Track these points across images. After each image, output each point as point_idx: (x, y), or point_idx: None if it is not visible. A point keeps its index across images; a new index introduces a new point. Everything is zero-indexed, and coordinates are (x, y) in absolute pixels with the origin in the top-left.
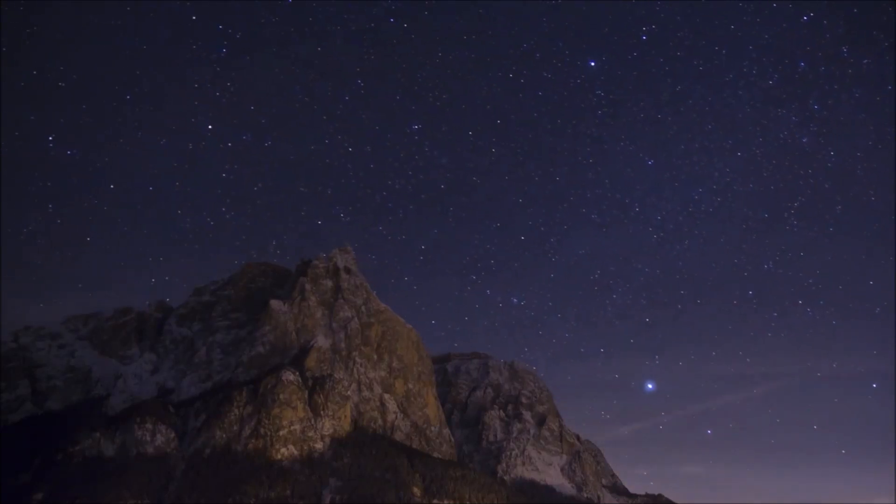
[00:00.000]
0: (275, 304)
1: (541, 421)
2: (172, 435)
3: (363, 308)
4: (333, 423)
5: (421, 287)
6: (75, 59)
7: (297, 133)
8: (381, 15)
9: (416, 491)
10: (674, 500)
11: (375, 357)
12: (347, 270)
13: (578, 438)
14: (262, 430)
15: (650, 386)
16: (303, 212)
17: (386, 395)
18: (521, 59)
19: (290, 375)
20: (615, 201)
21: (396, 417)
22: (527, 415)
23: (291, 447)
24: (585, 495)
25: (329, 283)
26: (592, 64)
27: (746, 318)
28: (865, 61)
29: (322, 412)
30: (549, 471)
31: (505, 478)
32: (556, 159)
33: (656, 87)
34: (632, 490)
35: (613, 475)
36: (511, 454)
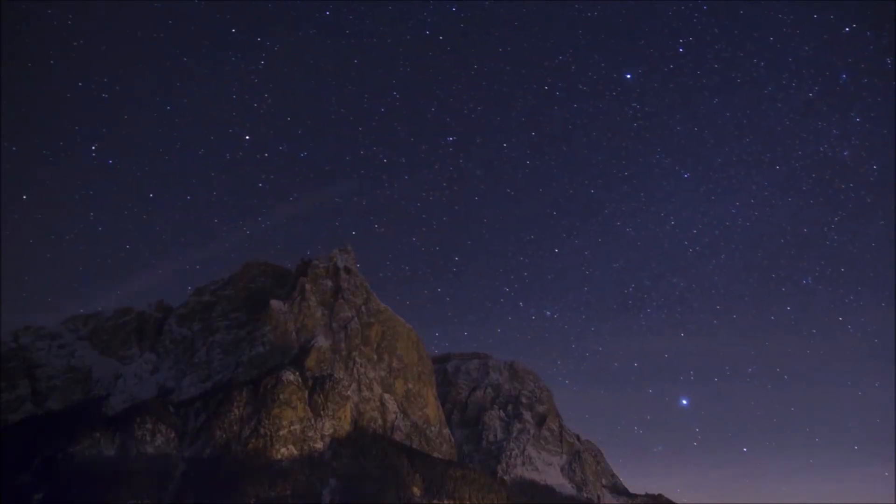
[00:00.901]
0: (275, 304)
1: (541, 421)
2: (172, 435)
3: (363, 308)
4: (333, 423)
5: (454, 298)
6: (118, 72)
7: (332, 144)
8: (416, 27)
9: (416, 491)
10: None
11: (375, 357)
12: (347, 270)
13: (578, 438)
14: (262, 430)
15: (684, 402)
16: (337, 222)
17: (386, 395)
18: (556, 71)
19: (290, 375)
20: (650, 214)
21: (396, 417)
22: (527, 415)
23: (291, 447)
24: (585, 495)
25: (329, 283)
26: (628, 76)
27: (784, 335)
28: None
29: (322, 412)
30: (549, 471)
31: (505, 478)
32: (591, 172)
33: (693, 100)
34: (632, 490)
35: (613, 475)
36: (511, 454)
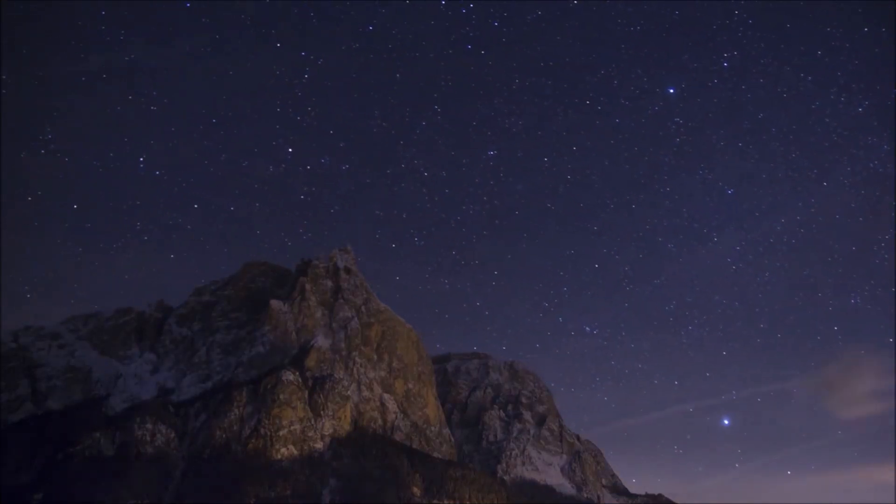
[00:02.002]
0: (275, 304)
1: (541, 421)
2: (172, 435)
3: (363, 308)
4: (333, 423)
5: (492, 312)
6: (166, 85)
7: (374, 157)
8: (458, 42)
9: (416, 491)
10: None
11: (375, 357)
12: (347, 270)
13: (578, 438)
14: (262, 430)
15: (726, 421)
16: (377, 234)
17: (386, 395)
18: (598, 85)
19: (290, 375)
20: (693, 231)
21: (396, 417)
22: (527, 415)
23: (291, 447)
24: (585, 495)
25: (329, 283)
26: (671, 91)
27: (831, 355)
28: None
29: (322, 412)
30: (549, 471)
31: (505, 478)
32: (632, 187)
33: (737, 115)
34: (632, 490)
35: (613, 475)
36: (511, 454)
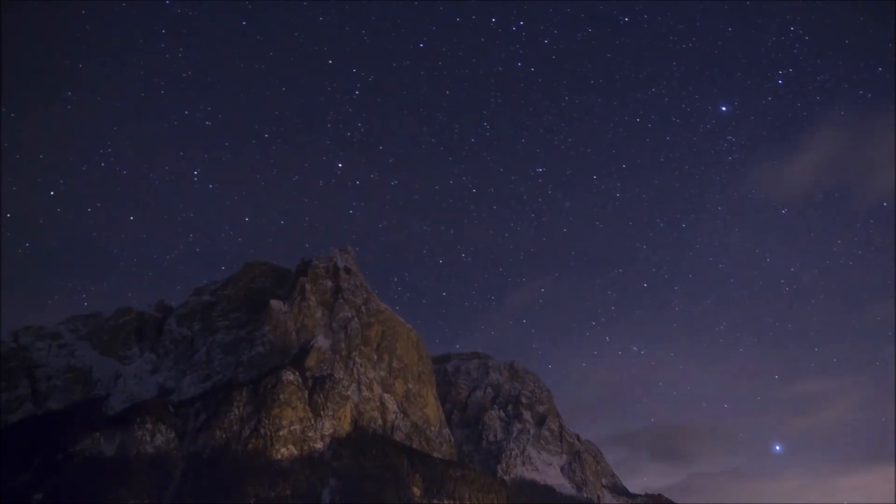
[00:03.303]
0: (275, 304)
1: (541, 421)
2: (172, 435)
3: (363, 308)
4: (333, 423)
5: (539, 331)
6: (219, 101)
7: (422, 173)
8: (508, 59)
9: (416, 491)
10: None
11: (375, 357)
12: (347, 270)
13: (578, 438)
14: (262, 430)
15: (778, 448)
16: (425, 250)
17: (386, 395)
18: (648, 103)
19: (290, 375)
20: (744, 250)
21: (396, 417)
22: (527, 415)
23: (291, 447)
24: (585, 495)
25: (329, 283)
26: (723, 108)
27: (889, 379)
28: None
29: (322, 412)
30: (549, 471)
31: (505, 478)
32: (682, 206)
33: (792, 133)
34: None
35: (613, 475)
36: (511, 454)
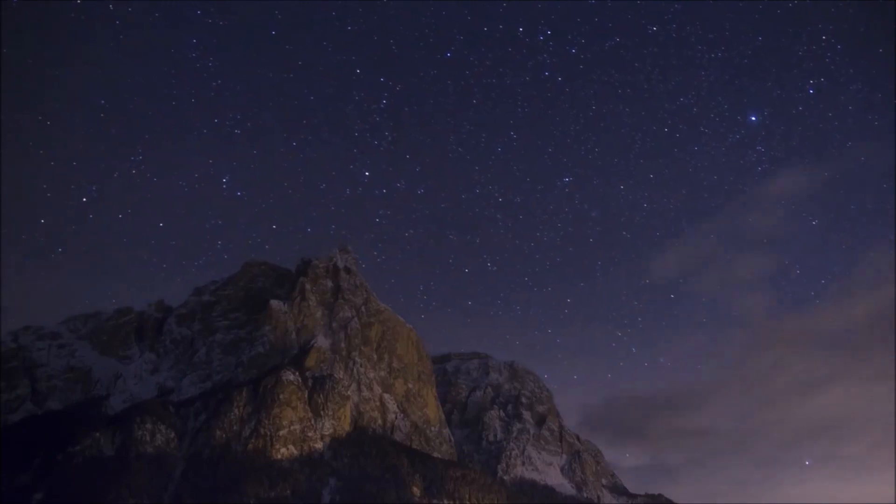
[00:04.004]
0: (275, 304)
1: (540, 421)
2: (172, 435)
3: (363, 308)
4: (333, 423)
5: (564, 340)
6: (248, 110)
7: (449, 182)
8: (535, 68)
9: (416, 491)
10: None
11: (375, 357)
12: (347, 270)
13: (578, 438)
14: (261, 430)
15: (807, 462)
16: (451, 259)
17: (386, 395)
18: (677, 113)
19: (290, 375)
20: (775, 261)
21: (396, 417)
22: (527, 415)
23: (291, 447)
24: (585, 495)
25: (329, 283)
26: (753, 118)
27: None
28: None
29: (322, 412)
30: (549, 471)
31: (505, 478)
32: (712, 217)
33: (824, 143)
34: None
35: (613, 475)
36: (511, 454)
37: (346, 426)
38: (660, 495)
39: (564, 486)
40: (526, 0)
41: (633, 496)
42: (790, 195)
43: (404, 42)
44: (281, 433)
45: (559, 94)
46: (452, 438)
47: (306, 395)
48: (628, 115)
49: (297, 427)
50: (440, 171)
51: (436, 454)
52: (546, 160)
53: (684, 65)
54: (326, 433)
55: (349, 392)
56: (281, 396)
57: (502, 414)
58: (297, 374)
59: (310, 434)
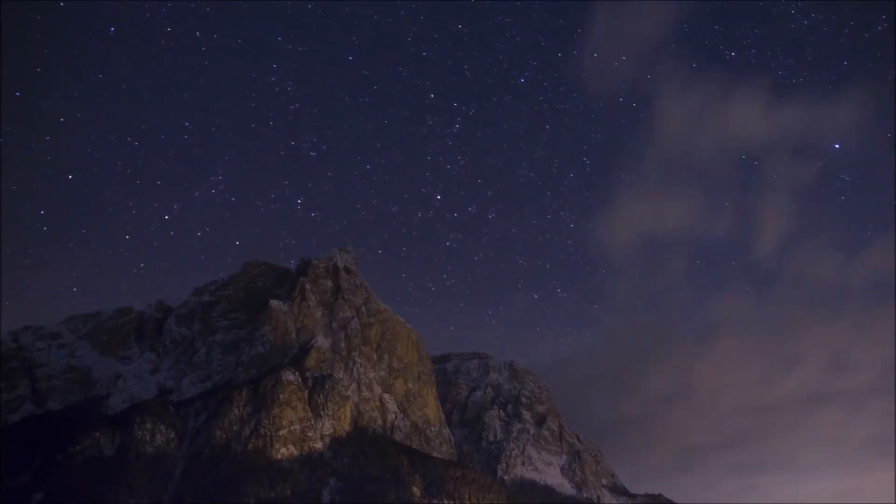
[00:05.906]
0: (275, 304)
1: (540, 421)
2: (172, 435)
3: (363, 308)
4: (333, 423)
5: (633, 372)
6: (324, 133)
7: (520, 207)
8: (610, 95)
9: (416, 491)
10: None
11: (375, 357)
12: (347, 270)
13: (578, 438)
14: (261, 430)
15: None
16: (520, 284)
17: (386, 395)
18: (763, 146)
19: (290, 375)
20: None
21: (396, 417)
22: (526, 415)
23: (291, 447)
24: (585, 495)
25: (329, 283)
26: (836, 146)
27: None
28: None
29: (322, 412)
30: (549, 471)
31: (505, 478)
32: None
33: None
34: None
35: (613, 475)
36: (511, 454)
37: (346, 426)
38: (660, 495)
39: (564, 486)
40: (598, 27)
41: (633, 496)
42: (875, 223)
43: (478, 67)
44: (281, 433)
45: (634, 121)
46: (452, 438)
47: (306, 395)
48: (703, 142)
49: (296, 427)
50: (511, 196)
51: (436, 454)
52: (619, 187)
53: (768, 103)
54: (326, 433)
55: (349, 392)
56: (281, 396)
57: (502, 414)
58: (297, 374)
59: (310, 434)
